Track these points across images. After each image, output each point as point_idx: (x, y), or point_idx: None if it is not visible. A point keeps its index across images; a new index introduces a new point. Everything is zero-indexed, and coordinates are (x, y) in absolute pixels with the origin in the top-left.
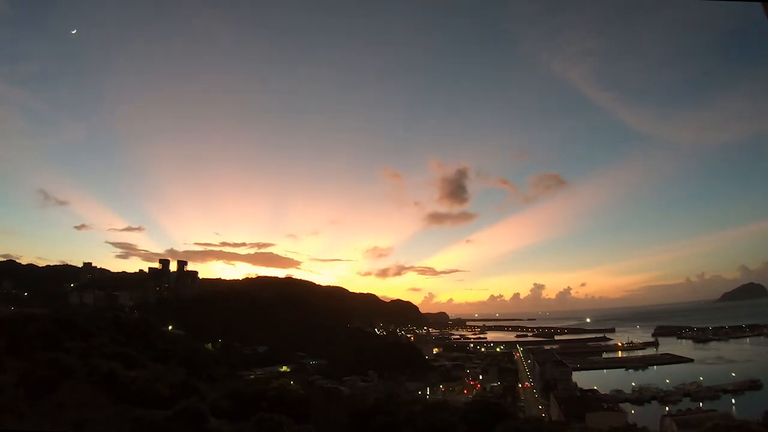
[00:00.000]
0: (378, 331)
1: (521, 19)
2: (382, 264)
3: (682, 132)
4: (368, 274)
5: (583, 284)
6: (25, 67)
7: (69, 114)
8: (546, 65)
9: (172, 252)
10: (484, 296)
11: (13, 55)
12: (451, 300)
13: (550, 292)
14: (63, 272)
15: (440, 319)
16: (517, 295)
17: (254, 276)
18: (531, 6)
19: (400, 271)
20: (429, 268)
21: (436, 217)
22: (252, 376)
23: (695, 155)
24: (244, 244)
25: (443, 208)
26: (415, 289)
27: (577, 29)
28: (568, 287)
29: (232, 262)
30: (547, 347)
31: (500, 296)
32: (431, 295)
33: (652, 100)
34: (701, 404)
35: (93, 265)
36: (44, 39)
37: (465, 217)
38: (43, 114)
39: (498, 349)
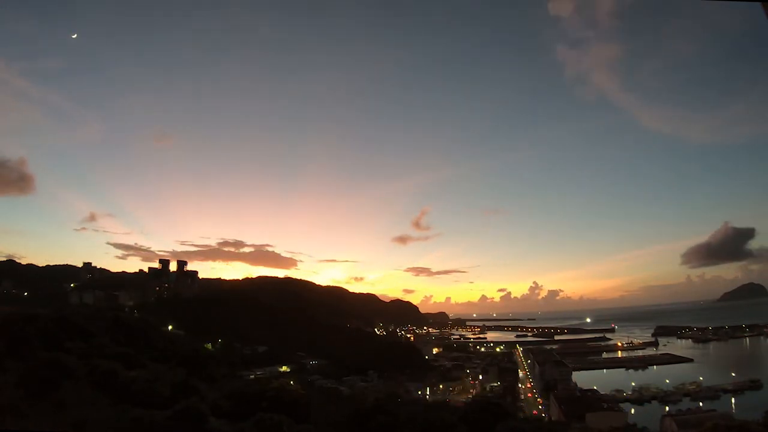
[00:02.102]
0: (378, 331)
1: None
2: (360, 272)
3: (686, 131)
4: (352, 279)
5: (578, 284)
6: (28, 66)
7: (74, 114)
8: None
9: (172, 252)
10: (475, 296)
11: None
12: (448, 299)
13: (542, 292)
14: (63, 272)
15: (440, 319)
16: (508, 295)
17: (254, 276)
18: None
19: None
20: (425, 268)
21: (403, 239)
22: (252, 376)
23: (698, 154)
24: (244, 244)
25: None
26: (408, 290)
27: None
28: (559, 289)
29: (232, 262)
30: (547, 347)
31: (491, 298)
32: (430, 295)
33: (662, 100)
34: (701, 404)
35: (93, 265)
36: (47, 39)
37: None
38: (50, 113)
39: (498, 349)
